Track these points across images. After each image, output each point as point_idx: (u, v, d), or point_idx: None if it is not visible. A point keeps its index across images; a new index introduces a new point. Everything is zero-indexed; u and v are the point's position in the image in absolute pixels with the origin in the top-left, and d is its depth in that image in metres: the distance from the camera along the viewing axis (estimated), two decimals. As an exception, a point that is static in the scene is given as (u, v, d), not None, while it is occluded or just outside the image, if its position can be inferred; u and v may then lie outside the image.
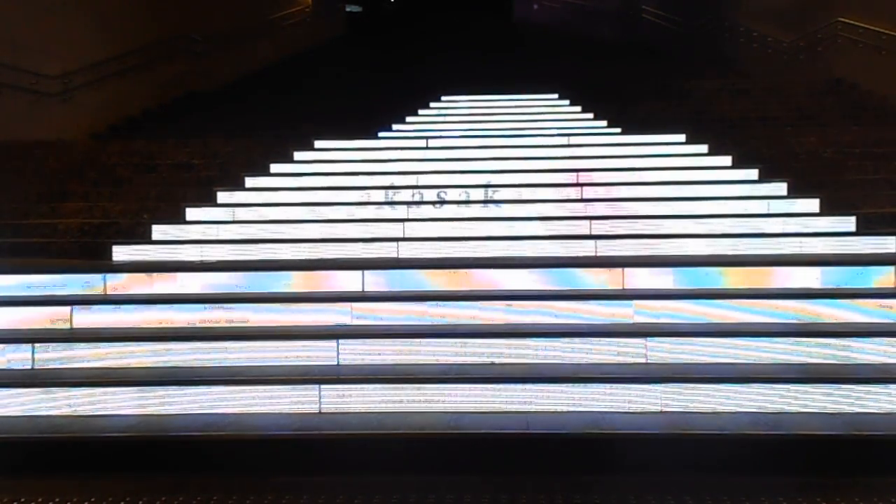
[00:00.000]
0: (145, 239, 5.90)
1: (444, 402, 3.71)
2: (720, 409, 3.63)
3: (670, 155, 7.27)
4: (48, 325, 4.45)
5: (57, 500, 3.09)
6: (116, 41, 10.72)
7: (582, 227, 5.80)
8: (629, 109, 9.12)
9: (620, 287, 4.73)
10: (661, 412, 3.63)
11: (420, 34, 16.71)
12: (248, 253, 5.54)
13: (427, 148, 7.79)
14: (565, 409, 3.67)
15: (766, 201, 6.11)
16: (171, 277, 4.87)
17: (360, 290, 4.81)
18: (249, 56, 13.82)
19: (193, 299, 4.64)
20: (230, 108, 10.68)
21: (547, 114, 9.43)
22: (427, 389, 3.74)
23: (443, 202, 6.28)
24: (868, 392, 3.60)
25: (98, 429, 3.54)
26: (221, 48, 13.03)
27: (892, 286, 4.62)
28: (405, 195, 6.52)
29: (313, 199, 6.49)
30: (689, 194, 6.34)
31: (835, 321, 4.28)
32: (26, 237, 6.19)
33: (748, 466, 3.26)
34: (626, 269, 4.78)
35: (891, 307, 4.28)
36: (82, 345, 4.12)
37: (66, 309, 4.48)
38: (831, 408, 3.60)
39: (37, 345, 4.10)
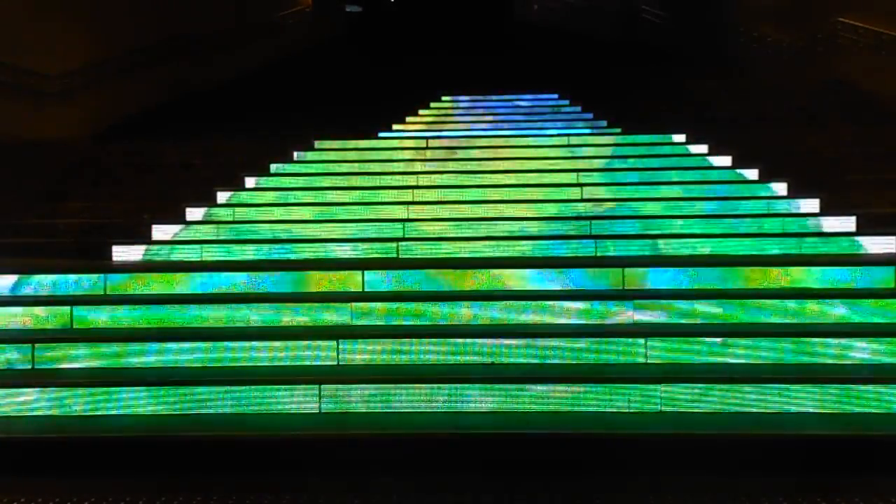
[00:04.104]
0: (145, 239, 5.90)
1: (443, 401, 3.72)
2: (720, 409, 3.63)
3: (670, 155, 7.28)
4: (48, 325, 4.46)
5: (57, 500, 3.09)
6: (116, 41, 10.73)
7: (582, 227, 5.80)
8: (629, 109, 9.12)
9: (620, 287, 4.74)
10: (661, 412, 3.63)
11: (420, 34, 16.72)
12: (248, 252, 5.55)
13: (427, 148, 7.80)
14: (565, 409, 3.67)
15: (766, 201, 6.12)
16: (171, 277, 4.87)
17: (361, 289, 4.81)
18: (250, 56, 13.82)
19: (193, 299, 4.65)
20: (230, 108, 10.68)
21: (547, 113, 9.44)
22: (427, 389, 3.73)
23: (441, 202, 6.28)
24: (868, 392, 3.60)
25: (98, 429, 3.54)
26: (221, 48, 13.03)
27: (893, 286, 4.62)
28: (405, 195, 6.53)
29: (313, 199, 6.50)
30: (689, 194, 6.35)
31: (835, 321, 4.28)
32: (26, 237, 6.19)
33: (748, 466, 3.26)
34: (626, 269, 4.78)
35: (891, 307, 4.28)
36: (82, 345, 4.12)
37: (66, 309, 4.48)
38: (831, 408, 3.60)
39: (37, 345, 4.10)
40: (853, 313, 4.29)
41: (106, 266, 5.24)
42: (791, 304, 4.33)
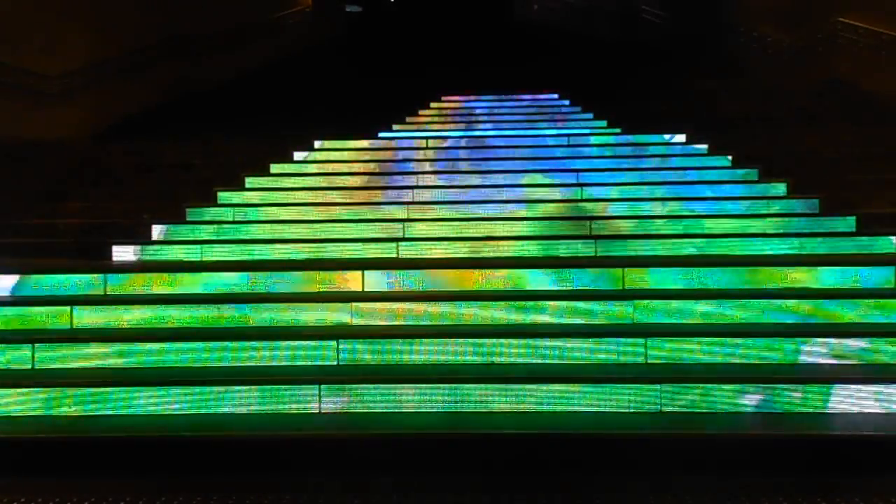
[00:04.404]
0: (145, 239, 5.90)
1: (443, 401, 3.72)
2: (720, 408, 3.63)
3: (670, 155, 7.28)
4: (48, 325, 4.46)
5: (57, 500, 3.09)
6: (116, 41, 10.73)
7: (582, 227, 5.80)
8: (629, 109, 9.12)
9: (620, 287, 4.74)
10: (661, 412, 3.63)
11: (420, 34, 16.72)
12: (248, 252, 5.55)
13: (427, 148, 7.80)
14: (565, 408, 3.67)
15: (766, 201, 6.12)
16: (171, 277, 4.87)
17: (360, 289, 4.81)
18: (249, 56, 13.82)
19: (193, 299, 4.65)
20: (230, 108, 10.68)
21: (547, 113, 9.45)
22: (427, 389, 3.73)
23: (441, 202, 6.28)
24: (868, 392, 3.60)
25: (98, 429, 3.54)
26: (221, 48, 13.03)
27: (892, 286, 4.62)
28: (405, 195, 6.53)
29: (313, 199, 6.50)
30: (689, 194, 6.35)
31: (834, 321, 4.28)
32: (26, 237, 6.19)
33: (748, 466, 3.26)
34: (626, 269, 4.78)
35: (890, 307, 4.28)
36: (82, 345, 4.12)
37: (66, 309, 4.48)
38: (831, 407, 3.60)
39: (37, 345, 4.10)
40: (852, 313, 4.28)
41: (106, 266, 5.24)
42: (790, 303, 4.33)
